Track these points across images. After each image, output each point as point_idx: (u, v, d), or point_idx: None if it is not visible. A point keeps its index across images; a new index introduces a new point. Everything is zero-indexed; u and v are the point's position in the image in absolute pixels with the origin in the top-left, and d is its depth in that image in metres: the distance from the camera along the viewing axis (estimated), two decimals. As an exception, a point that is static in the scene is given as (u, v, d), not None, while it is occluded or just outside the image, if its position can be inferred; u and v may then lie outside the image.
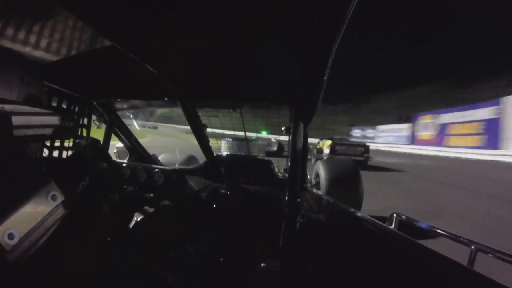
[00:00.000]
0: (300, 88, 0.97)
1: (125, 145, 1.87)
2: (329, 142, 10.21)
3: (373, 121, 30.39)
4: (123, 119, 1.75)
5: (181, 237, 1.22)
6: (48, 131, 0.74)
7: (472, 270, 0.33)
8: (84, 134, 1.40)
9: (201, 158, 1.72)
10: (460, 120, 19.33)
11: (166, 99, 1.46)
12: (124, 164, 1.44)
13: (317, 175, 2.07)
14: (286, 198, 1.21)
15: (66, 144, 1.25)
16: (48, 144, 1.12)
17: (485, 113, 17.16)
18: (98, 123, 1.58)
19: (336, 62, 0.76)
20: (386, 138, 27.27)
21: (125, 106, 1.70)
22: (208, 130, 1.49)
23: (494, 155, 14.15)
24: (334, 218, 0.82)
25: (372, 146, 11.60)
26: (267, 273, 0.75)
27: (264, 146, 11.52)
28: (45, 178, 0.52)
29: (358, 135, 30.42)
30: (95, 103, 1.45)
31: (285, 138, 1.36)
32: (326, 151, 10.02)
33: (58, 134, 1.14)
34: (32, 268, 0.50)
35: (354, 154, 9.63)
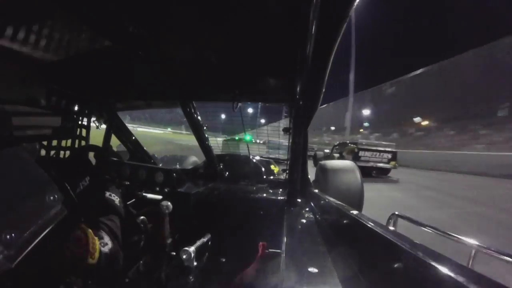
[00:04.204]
0: (300, 89, 0.97)
1: (125, 145, 1.86)
2: (353, 147, 8.97)
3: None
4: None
5: (181, 237, 1.22)
6: (48, 131, 0.74)
7: (472, 270, 0.33)
8: (84, 134, 1.40)
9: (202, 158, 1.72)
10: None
11: (166, 99, 1.46)
12: (124, 164, 1.44)
13: (318, 176, 2.08)
14: (286, 198, 1.21)
15: (66, 144, 1.25)
16: (48, 144, 1.12)
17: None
18: (98, 123, 1.58)
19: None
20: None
21: (125, 106, 1.70)
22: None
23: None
24: (334, 218, 0.82)
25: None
26: (267, 273, 0.75)
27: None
28: (45, 178, 0.52)
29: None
30: (95, 103, 1.45)
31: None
32: (348, 158, 8.75)
33: (58, 134, 1.14)
34: (32, 268, 0.49)
35: (381, 161, 8.52)
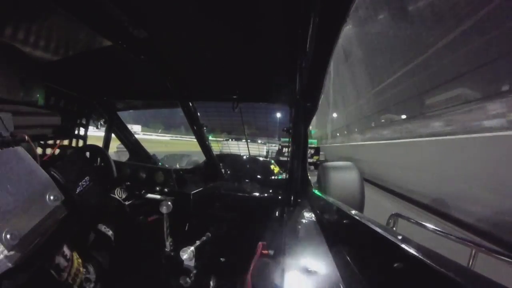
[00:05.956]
0: (300, 88, 0.97)
1: (125, 145, 1.86)
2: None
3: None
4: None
5: (181, 237, 1.22)
6: (48, 131, 0.74)
7: (472, 270, 0.33)
8: (85, 134, 1.40)
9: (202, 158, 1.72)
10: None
11: (166, 99, 1.46)
12: (124, 164, 1.44)
13: (319, 177, 2.09)
14: (286, 198, 1.21)
15: (66, 144, 1.25)
16: (48, 144, 1.12)
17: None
18: (98, 123, 1.58)
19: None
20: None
21: (125, 106, 1.70)
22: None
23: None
24: (334, 218, 0.82)
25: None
26: (267, 273, 0.75)
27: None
28: (45, 178, 0.52)
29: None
30: (95, 103, 1.45)
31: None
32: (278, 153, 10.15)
33: (58, 134, 1.14)
34: (32, 268, 0.49)
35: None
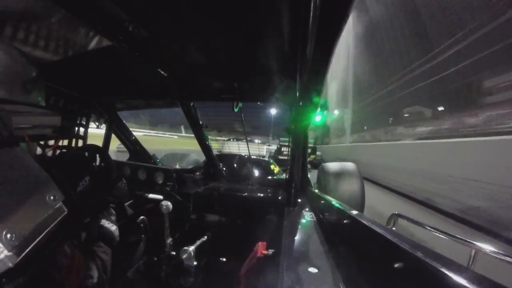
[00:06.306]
0: (300, 89, 0.97)
1: (125, 145, 1.87)
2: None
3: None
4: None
5: (181, 237, 1.22)
6: (48, 131, 0.73)
7: (472, 270, 0.33)
8: (85, 134, 1.40)
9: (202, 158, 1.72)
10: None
11: (166, 99, 1.46)
12: (124, 164, 1.44)
13: (319, 177, 2.09)
14: (286, 198, 1.21)
15: (65, 144, 1.25)
16: (48, 144, 1.12)
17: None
18: (98, 123, 1.59)
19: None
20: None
21: (125, 106, 1.70)
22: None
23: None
24: (334, 218, 0.82)
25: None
26: (267, 273, 0.75)
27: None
28: (45, 178, 0.52)
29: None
30: (95, 103, 1.45)
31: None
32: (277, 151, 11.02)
33: (58, 134, 1.14)
34: (33, 268, 0.49)
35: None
